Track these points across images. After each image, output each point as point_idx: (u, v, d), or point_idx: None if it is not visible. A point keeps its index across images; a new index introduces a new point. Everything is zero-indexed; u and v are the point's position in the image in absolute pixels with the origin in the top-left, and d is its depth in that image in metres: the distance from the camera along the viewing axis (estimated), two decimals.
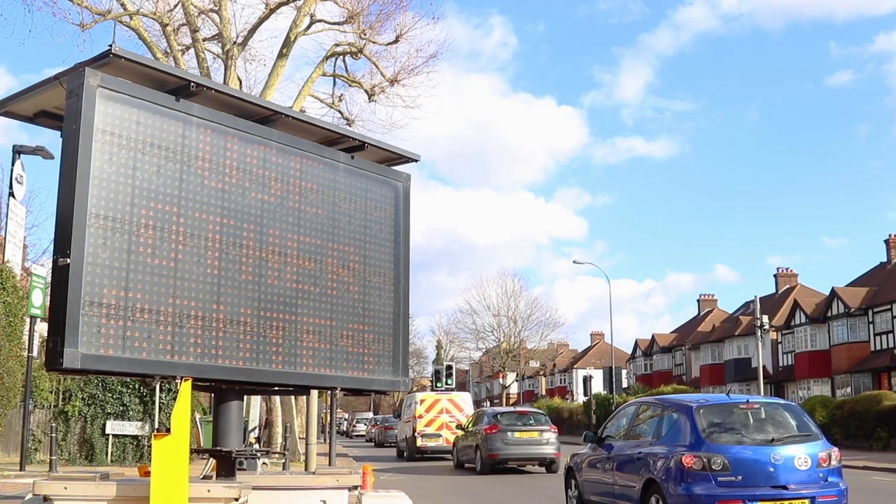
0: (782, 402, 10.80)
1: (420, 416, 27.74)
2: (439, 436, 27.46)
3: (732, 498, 9.02)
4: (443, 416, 27.73)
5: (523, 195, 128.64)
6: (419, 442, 27.50)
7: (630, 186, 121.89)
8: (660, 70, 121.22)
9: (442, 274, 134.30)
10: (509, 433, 21.46)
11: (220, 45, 24.30)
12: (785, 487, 9.13)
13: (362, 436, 59.28)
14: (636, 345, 75.36)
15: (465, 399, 29.25)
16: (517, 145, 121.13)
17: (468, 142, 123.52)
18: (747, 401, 10.24)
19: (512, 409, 25.62)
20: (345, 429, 65.90)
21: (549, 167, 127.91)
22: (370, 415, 71.54)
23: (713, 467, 9.18)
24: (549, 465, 21.75)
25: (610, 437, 11.59)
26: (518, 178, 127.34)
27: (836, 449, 9.90)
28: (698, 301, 72.39)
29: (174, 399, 5.83)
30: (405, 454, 29.14)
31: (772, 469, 9.20)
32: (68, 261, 5.11)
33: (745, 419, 9.89)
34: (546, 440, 21.67)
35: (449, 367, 36.29)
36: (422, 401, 28.18)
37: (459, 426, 25.96)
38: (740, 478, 9.14)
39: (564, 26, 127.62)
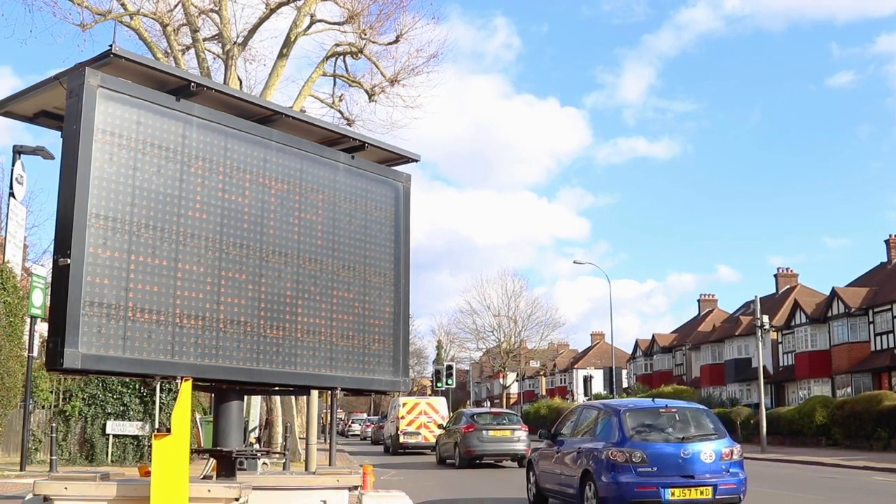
0: (695, 406, 12.67)
1: (402, 417, 32.10)
2: (419, 434, 31.74)
3: (648, 485, 10.88)
4: (422, 416, 32.06)
5: (526, 196, 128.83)
6: (402, 439, 31.84)
7: (632, 187, 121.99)
8: (662, 71, 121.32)
9: (444, 274, 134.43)
10: (485, 432, 23.88)
11: (220, 45, 24.29)
12: (692, 477, 10.92)
13: (357, 435, 62.67)
14: (636, 345, 75.34)
15: (441, 403, 33.69)
16: (520, 146, 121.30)
17: (471, 142, 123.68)
18: (666, 406, 12.24)
19: (487, 410, 29.35)
20: (341, 428, 66.60)
21: (551, 168, 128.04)
22: (364, 415, 74.22)
23: (634, 460, 11.01)
24: (520, 460, 23.37)
25: (561, 434, 13.35)
26: (520, 178, 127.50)
27: (737, 445, 11.68)
28: (699, 301, 72.37)
29: (174, 399, 5.83)
30: (390, 449, 33.37)
31: (682, 462, 11.00)
32: (68, 261, 5.11)
33: (664, 421, 11.79)
34: (517, 438, 23.93)
35: (449, 367, 36.87)
36: (404, 404, 32.53)
37: (440, 426, 29.19)
38: (656, 469, 10.94)
39: (568, 27, 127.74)
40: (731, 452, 11.34)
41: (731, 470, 11.17)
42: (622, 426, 11.50)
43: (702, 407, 12.80)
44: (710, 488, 10.89)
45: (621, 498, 10.97)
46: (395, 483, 17.16)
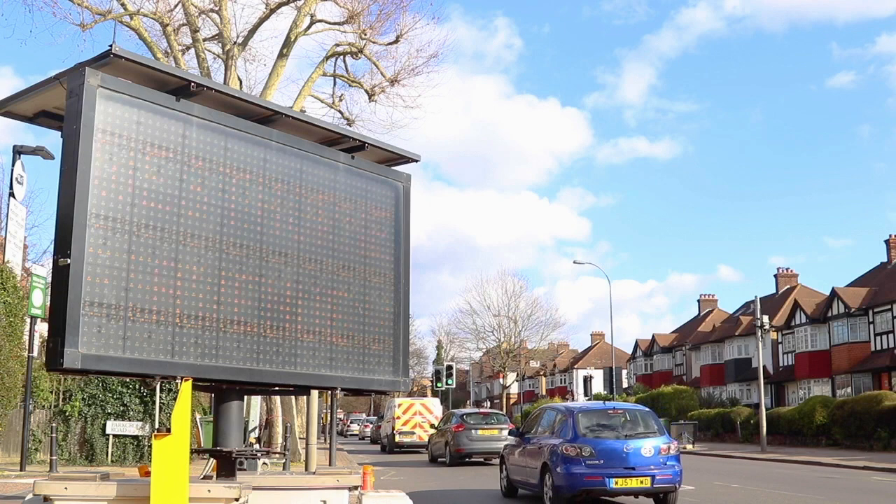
0: (641, 408, 14.55)
1: (398, 418, 33.66)
2: (413, 433, 33.14)
3: (595, 475, 12.62)
4: (416, 417, 33.56)
5: (527, 196, 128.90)
6: (398, 438, 33.37)
7: (633, 187, 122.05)
8: (663, 71, 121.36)
9: (444, 274, 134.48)
10: (473, 431, 25.10)
11: (220, 45, 24.29)
12: (633, 469, 12.60)
13: (356, 434, 64.36)
14: (636, 345, 75.32)
15: (434, 404, 35.39)
16: (521, 146, 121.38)
17: (472, 143, 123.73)
18: (614, 408, 14.17)
19: (476, 410, 30.72)
20: (340, 428, 67.06)
21: (552, 168, 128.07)
22: (363, 415, 75.82)
23: (584, 454, 12.75)
24: None
25: (528, 432, 15.11)
26: (521, 178, 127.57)
27: (675, 442, 13.44)
28: (699, 301, 72.34)
29: (174, 399, 5.83)
30: (386, 448, 35.00)
31: (625, 455, 12.70)
32: (69, 261, 5.11)
33: (611, 420, 13.60)
34: (504, 437, 24.26)
35: (449, 367, 37.10)
36: (399, 405, 34.08)
37: (432, 426, 30.71)
38: (602, 462, 12.65)
39: (569, 28, 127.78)
40: (669, 448, 13.02)
41: (668, 463, 12.84)
42: (575, 425, 13.31)
43: (646, 409, 14.59)
44: (648, 478, 12.64)
45: (572, 486, 12.72)
46: (393, 483, 17.16)
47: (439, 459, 26.67)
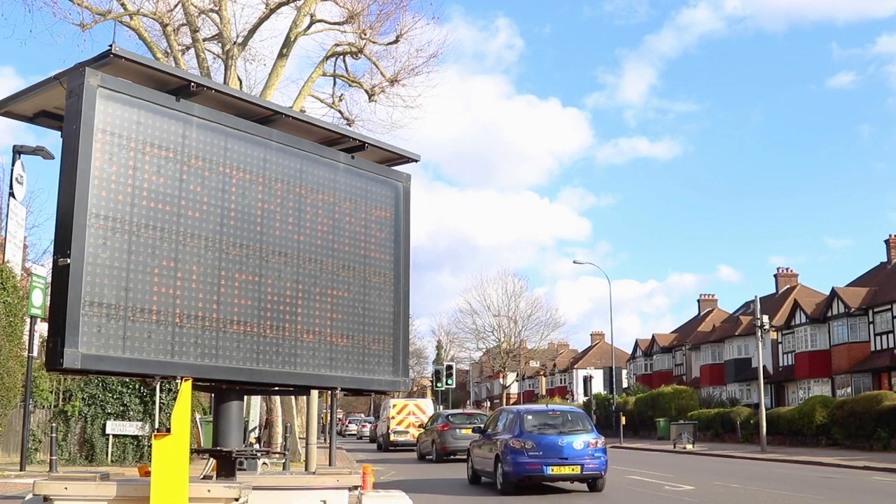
0: (575, 410, 18.19)
1: (393, 418, 35.81)
2: (407, 432, 34.99)
3: (535, 464, 15.62)
4: (410, 417, 35.43)
5: (528, 196, 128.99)
6: (392, 437, 35.54)
7: (633, 187, 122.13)
8: (663, 71, 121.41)
9: (445, 274, 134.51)
10: (458, 430, 26.60)
11: (220, 45, 24.28)
12: (567, 459, 15.64)
13: (353, 434, 65.97)
14: (636, 345, 75.28)
15: (427, 404, 37.45)
16: (522, 147, 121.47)
17: (473, 143, 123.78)
18: (553, 410, 17.42)
19: (461, 411, 33.18)
20: (339, 428, 67.63)
21: (553, 168, 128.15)
22: (361, 416, 77.56)
23: (526, 447, 15.77)
24: None
25: (488, 430, 18.24)
26: (522, 178, 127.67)
27: (602, 437, 16.48)
28: (699, 301, 72.32)
29: (174, 399, 5.82)
30: (382, 446, 37.47)
31: (560, 448, 15.73)
32: (68, 261, 5.10)
33: (550, 420, 16.78)
34: None
35: (449, 367, 37.46)
36: (394, 405, 36.15)
37: (421, 425, 32.67)
38: (541, 453, 15.68)
39: (570, 28, 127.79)
40: (597, 443, 16.06)
41: (595, 454, 15.87)
42: (522, 424, 16.38)
43: (580, 410, 17.99)
44: (579, 466, 15.67)
45: (518, 473, 15.76)
46: (393, 482, 17.16)
47: (427, 457, 28.47)
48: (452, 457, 26.38)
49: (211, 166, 5.96)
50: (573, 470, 15.63)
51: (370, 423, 58.43)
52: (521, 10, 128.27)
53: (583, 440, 15.84)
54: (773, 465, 26.41)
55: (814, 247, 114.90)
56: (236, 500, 5.55)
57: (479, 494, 16.50)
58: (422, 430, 31.05)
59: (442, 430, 27.18)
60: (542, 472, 15.52)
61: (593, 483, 16.20)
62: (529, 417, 16.64)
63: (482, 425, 20.18)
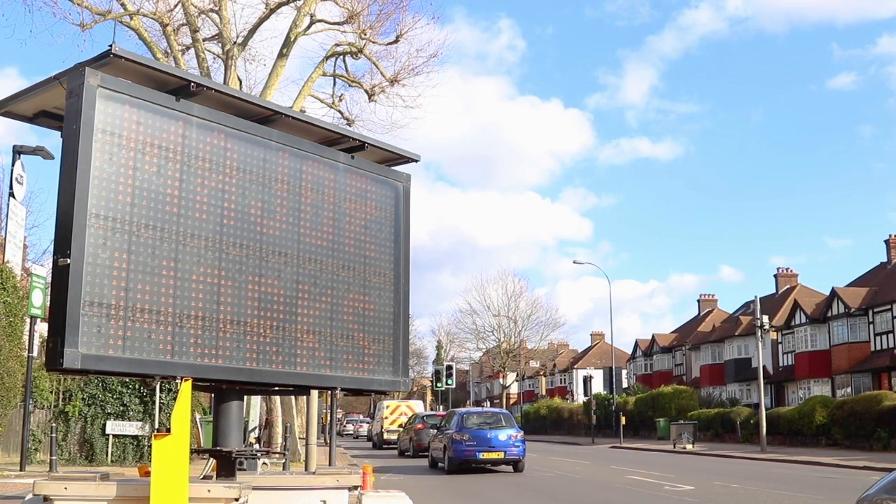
0: (503, 411, 25.31)
1: (386, 418, 39.50)
2: (399, 431, 37.14)
3: (470, 451, 21.52)
4: (402, 417, 38.29)
5: (529, 196, 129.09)
6: (385, 435, 39.08)
7: (635, 187, 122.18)
8: (665, 72, 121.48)
9: (445, 274, 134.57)
10: (432, 430, 28.52)
11: (220, 45, 24.27)
12: (493, 447, 21.47)
13: (350, 434, 67.21)
14: (636, 345, 75.27)
15: (418, 405, 41.23)
16: (523, 147, 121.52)
17: (475, 144, 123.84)
18: (487, 411, 24.24)
19: (434, 412, 37.21)
20: (338, 428, 68.13)
21: (554, 169, 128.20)
22: (360, 416, 78.34)
23: (464, 438, 21.64)
24: None
25: (444, 426, 23.80)
26: (524, 179, 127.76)
27: (521, 431, 22.54)
28: (699, 301, 72.31)
29: (174, 399, 5.82)
30: (376, 444, 41.06)
31: (489, 438, 21.59)
32: (68, 261, 5.10)
33: (484, 418, 23.00)
34: None
35: (449, 367, 37.31)
36: (387, 406, 39.76)
37: (401, 426, 36.24)
38: (475, 443, 21.53)
39: (572, 29, 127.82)
40: (517, 435, 21.91)
41: (515, 444, 21.66)
42: (463, 421, 22.21)
43: (506, 412, 25.39)
44: (503, 452, 21.59)
45: (458, 458, 21.61)
46: (391, 482, 17.16)
47: (406, 454, 32.41)
48: (426, 452, 28.20)
49: (211, 166, 5.96)
50: (498, 455, 21.56)
51: (367, 423, 61.70)
52: (523, 12, 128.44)
53: (507, 433, 21.74)
54: (773, 465, 26.41)
55: (814, 247, 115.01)
56: (236, 500, 5.55)
57: (433, 474, 22.40)
58: (401, 431, 34.74)
59: (418, 429, 31.13)
60: (475, 456, 21.46)
61: (515, 464, 21.94)
62: (468, 417, 22.84)
63: (438, 423, 25.92)
